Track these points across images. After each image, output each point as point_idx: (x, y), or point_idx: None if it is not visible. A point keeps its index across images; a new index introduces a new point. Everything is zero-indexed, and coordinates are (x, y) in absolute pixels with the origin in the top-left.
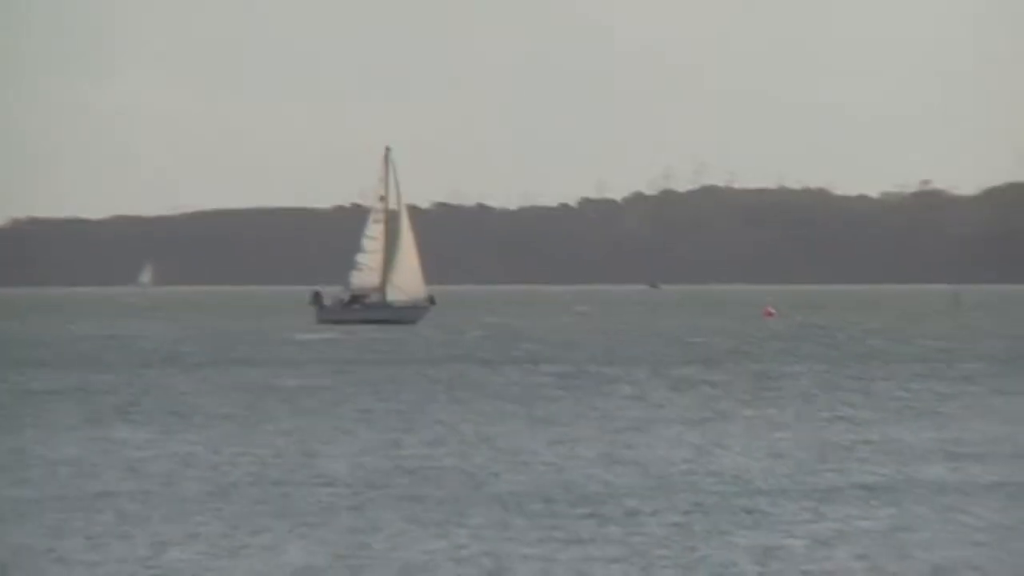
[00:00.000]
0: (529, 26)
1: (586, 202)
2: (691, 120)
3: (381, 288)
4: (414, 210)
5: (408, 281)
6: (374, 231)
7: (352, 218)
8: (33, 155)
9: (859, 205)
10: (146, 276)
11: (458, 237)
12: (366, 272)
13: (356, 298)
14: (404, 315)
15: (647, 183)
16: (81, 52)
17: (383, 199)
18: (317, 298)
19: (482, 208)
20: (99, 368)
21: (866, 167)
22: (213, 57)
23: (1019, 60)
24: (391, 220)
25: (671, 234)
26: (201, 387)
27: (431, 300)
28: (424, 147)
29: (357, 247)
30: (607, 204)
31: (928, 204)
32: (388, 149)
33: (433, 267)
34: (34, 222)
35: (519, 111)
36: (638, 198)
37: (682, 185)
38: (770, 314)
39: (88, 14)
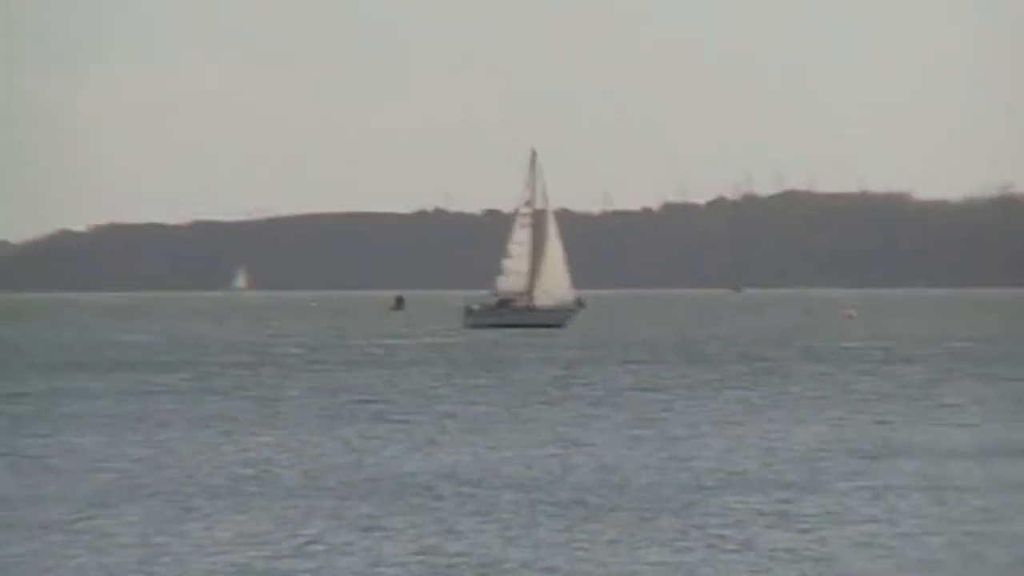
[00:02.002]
0: (610, 30)
1: (668, 206)
2: (773, 125)
3: (528, 292)
4: (495, 214)
5: (555, 285)
6: (520, 236)
7: (434, 222)
8: (113, 160)
9: (940, 209)
10: (240, 281)
11: None
12: (513, 277)
13: (503, 302)
14: (552, 319)
15: (729, 187)
16: (167, 52)
17: (529, 203)
18: (400, 303)
19: (563, 212)
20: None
21: (948, 171)
22: (292, 61)
23: None
24: (538, 224)
25: (753, 238)
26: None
27: (579, 303)
28: (506, 151)
29: (441, 250)
30: (689, 208)
31: (1010, 207)
32: (534, 154)
33: None
34: (114, 227)
35: (601, 115)
36: (720, 202)
37: (764, 189)
38: (850, 316)
39: (169, 10)
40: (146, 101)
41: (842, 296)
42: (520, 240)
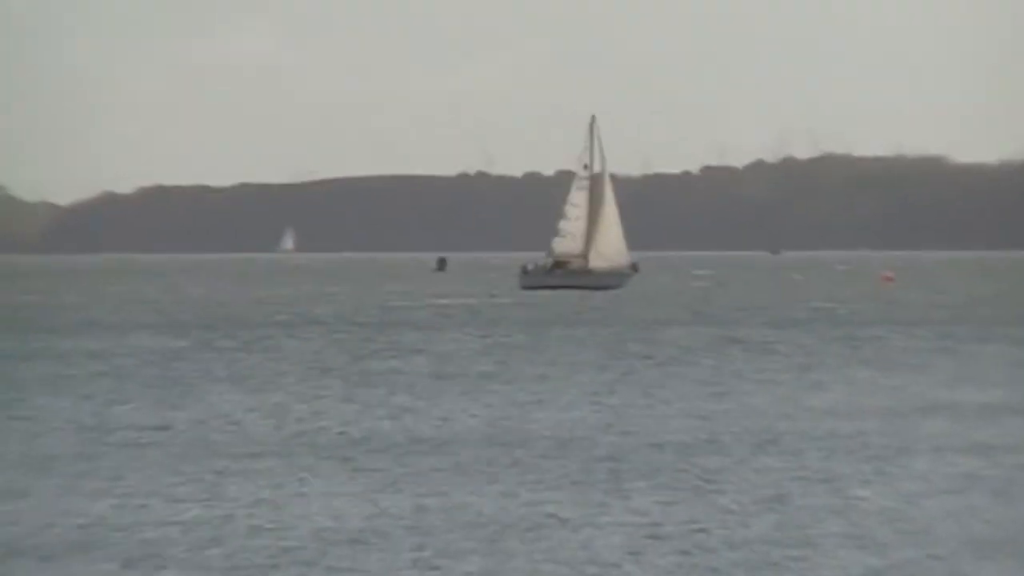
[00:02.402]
0: None
1: (708, 169)
2: (812, 88)
3: (584, 254)
4: (535, 177)
5: (611, 248)
6: (578, 198)
7: (476, 185)
8: (157, 124)
9: (976, 172)
10: (288, 242)
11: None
12: (569, 239)
13: (558, 264)
14: (606, 281)
15: (768, 151)
16: (210, 18)
17: (587, 167)
18: (442, 264)
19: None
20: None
21: (984, 134)
22: (335, 26)
23: None
24: (595, 188)
25: (791, 201)
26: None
27: (634, 267)
28: (547, 116)
29: (481, 213)
30: (728, 171)
31: None
32: (593, 118)
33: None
34: (160, 190)
35: (641, 80)
36: (759, 165)
37: (802, 152)
38: (888, 279)
39: None
40: (193, 66)
41: (881, 258)
42: (577, 202)
